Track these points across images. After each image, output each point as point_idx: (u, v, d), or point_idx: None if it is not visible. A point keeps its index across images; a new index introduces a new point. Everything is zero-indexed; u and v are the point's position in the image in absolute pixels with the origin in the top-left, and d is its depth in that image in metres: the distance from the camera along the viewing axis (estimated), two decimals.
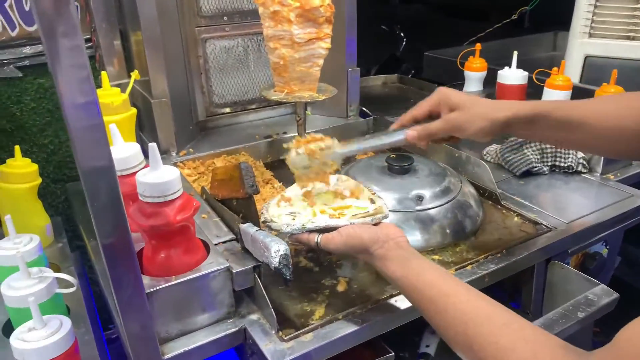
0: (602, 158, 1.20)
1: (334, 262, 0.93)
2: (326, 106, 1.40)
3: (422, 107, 0.90)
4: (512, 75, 1.42)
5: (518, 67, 1.44)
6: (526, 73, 1.43)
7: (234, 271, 0.72)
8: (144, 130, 1.29)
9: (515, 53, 1.42)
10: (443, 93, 0.86)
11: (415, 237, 0.96)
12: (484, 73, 1.54)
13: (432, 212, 0.99)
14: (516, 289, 1.09)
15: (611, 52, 1.49)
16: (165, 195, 0.66)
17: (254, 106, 1.39)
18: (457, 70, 1.62)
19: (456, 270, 0.89)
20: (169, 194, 0.66)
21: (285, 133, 1.32)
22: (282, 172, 1.28)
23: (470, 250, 0.97)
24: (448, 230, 0.99)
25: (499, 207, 1.10)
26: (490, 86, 1.51)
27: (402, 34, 4.06)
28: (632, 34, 1.46)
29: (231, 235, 0.82)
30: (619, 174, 1.22)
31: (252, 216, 0.80)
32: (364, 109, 1.43)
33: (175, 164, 1.17)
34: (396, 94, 1.74)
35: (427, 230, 0.97)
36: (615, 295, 0.89)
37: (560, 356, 0.52)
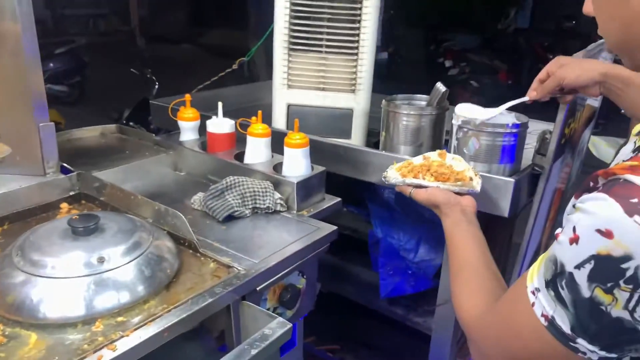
0: (296, 196, 1.34)
1: None
2: (18, 164, 1.27)
3: (543, 72, 1.13)
4: (220, 125, 1.49)
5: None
6: (232, 122, 1.52)
7: None
8: None
9: (220, 104, 1.50)
10: (556, 59, 1.11)
11: (99, 302, 0.91)
12: (197, 122, 1.59)
13: (116, 271, 0.95)
14: (221, 332, 1.12)
15: (308, 101, 1.69)
16: None
17: None
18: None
19: (136, 329, 0.87)
20: None
21: None
22: None
23: (159, 304, 0.96)
24: (137, 288, 0.96)
25: (198, 255, 1.13)
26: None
27: (154, 78, 4.04)
28: (322, 85, 1.67)
29: None
30: (311, 210, 1.36)
31: None
32: (65, 164, 1.34)
33: None
34: (115, 144, 1.68)
35: (112, 291, 0.94)
36: (289, 325, 0.97)
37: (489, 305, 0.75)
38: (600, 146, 2.26)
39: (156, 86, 3.91)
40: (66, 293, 0.91)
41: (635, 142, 0.66)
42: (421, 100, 1.55)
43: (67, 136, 1.68)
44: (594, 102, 1.54)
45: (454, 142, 1.31)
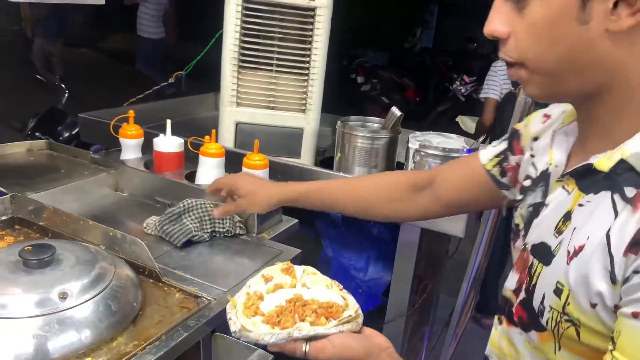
0: (256, 218, 1.30)
1: None
2: None
3: (221, 186, 1.17)
4: (168, 143, 1.42)
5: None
6: (182, 140, 1.45)
7: None
8: None
9: (169, 121, 1.43)
10: (233, 184, 1.13)
11: (63, 343, 0.83)
12: (141, 140, 1.50)
13: (80, 308, 0.87)
14: None
15: (257, 120, 1.66)
16: None
17: None
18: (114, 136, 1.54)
19: None
20: None
21: None
22: None
23: (129, 341, 0.89)
24: (102, 325, 0.88)
25: (161, 284, 1.06)
26: (150, 152, 1.48)
27: (63, 85, 3.74)
28: (271, 104, 1.65)
29: None
30: (271, 232, 1.34)
31: None
32: None
33: None
34: (45, 162, 1.54)
35: (76, 331, 0.85)
36: (271, 357, 0.94)
37: None
38: (466, 122, 2.91)
39: (66, 94, 3.63)
40: (23, 335, 0.81)
41: None
42: (373, 122, 1.58)
43: None
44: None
45: (410, 165, 1.35)
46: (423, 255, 1.61)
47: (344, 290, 0.80)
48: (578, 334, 0.59)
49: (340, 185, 1.15)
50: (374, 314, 1.74)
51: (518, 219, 0.76)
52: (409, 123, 1.62)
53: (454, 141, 1.38)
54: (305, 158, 1.68)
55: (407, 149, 1.36)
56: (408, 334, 1.63)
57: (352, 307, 0.75)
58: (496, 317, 0.77)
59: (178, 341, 0.89)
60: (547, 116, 0.79)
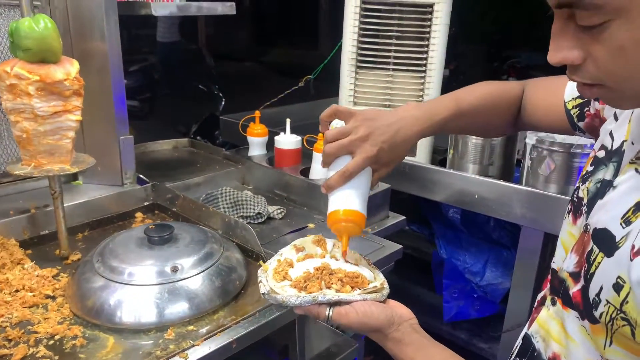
0: None
1: (79, 347, 0.88)
2: (99, 174, 1.35)
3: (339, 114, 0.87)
4: (287, 141, 1.52)
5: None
6: (300, 138, 1.54)
7: None
8: None
9: (288, 120, 1.53)
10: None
11: (171, 310, 0.94)
12: (266, 138, 1.62)
13: (188, 281, 0.98)
14: (285, 346, 1.12)
15: None
16: None
17: (10, 178, 1.28)
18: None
19: (205, 339, 0.89)
20: None
21: (47, 206, 1.23)
22: (41, 249, 1.18)
23: (228, 315, 0.98)
24: (206, 298, 0.98)
25: None
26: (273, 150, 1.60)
27: (220, 94, 4.17)
28: (387, 103, 1.67)
29: None
30: (375, 227, 1.35)
31: None
32: (140, 175, 1.41)
33: None
34: (186, 158, 1.75)
35: (184, 300, 0.96)
36: (355, 344, 0.96)
37: None
38: None
39: (222, 102, 4.04)
40: (142, 300, 0.94)
41: None
42: None
43: (142, 148, 1.77)
44: None
45: (527, 162, 1.27)
46: (548, 263, 1.49)
47: (372, 265, 0.80)
48: (633, 334, 0.52)
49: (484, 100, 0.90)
50: (491, 321, 1.65)
51: (583, 192, 0.68)
52: None
53: (582, 137, 1.25)
54: (421, 156, 1.66)
55: (525, 144, 1.28)
56: None
57: (379, 280, 0.76)
58: (549, 296, 0.70)
59: (269, 319, 0.96)
60: None
